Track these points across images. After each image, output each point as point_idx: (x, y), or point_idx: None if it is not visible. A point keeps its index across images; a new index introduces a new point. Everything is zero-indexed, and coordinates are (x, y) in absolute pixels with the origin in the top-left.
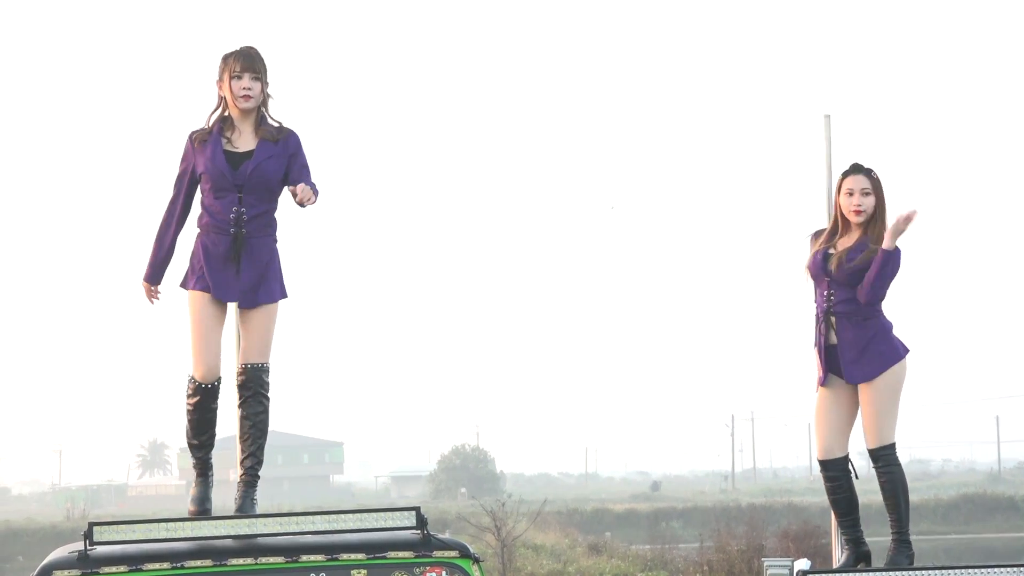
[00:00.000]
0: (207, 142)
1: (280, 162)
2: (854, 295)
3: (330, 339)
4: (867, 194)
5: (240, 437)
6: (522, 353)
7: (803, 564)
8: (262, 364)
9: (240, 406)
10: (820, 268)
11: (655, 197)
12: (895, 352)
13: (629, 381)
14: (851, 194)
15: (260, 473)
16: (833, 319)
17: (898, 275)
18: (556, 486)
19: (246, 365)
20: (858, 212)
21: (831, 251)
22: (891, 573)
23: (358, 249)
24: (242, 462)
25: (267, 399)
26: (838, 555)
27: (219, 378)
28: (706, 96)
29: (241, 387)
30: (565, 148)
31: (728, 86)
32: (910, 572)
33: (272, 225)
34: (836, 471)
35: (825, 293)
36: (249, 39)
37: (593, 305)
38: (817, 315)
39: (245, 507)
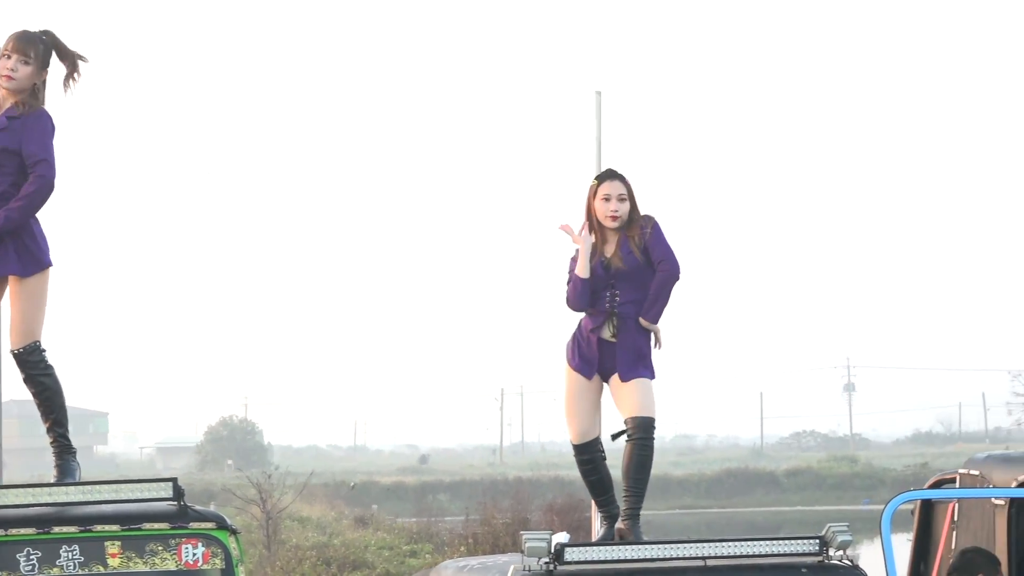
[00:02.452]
0: None
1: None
2: (638, 296)
3: (94, 306)
4: (623, 200)
5: None
6: (291, 325)
7: (562, 537)
8: (16, 350)
9: None
10: (603, 275)
11: (423, 173)
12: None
13: (399, 354)
14: (607, 199)
15: (68, 439)
16: (615, 320)
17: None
18: (325, 458)
19: (11, 352)
20: (614, 218)
21: (603, 259)
22: (647, 546)
23: (125, 215)
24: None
25: (44, 376)
26: (598, 528)
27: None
28: (476, 70)
29: None
30: (319, 117)
31: (498, 61)
32: (669, 545)
33: (3, 196)
34: (591, 453)
35: (608, 294)
36: (220, 38)
37: (361, 278)
38: (597, 312)
39: (61, 476)
